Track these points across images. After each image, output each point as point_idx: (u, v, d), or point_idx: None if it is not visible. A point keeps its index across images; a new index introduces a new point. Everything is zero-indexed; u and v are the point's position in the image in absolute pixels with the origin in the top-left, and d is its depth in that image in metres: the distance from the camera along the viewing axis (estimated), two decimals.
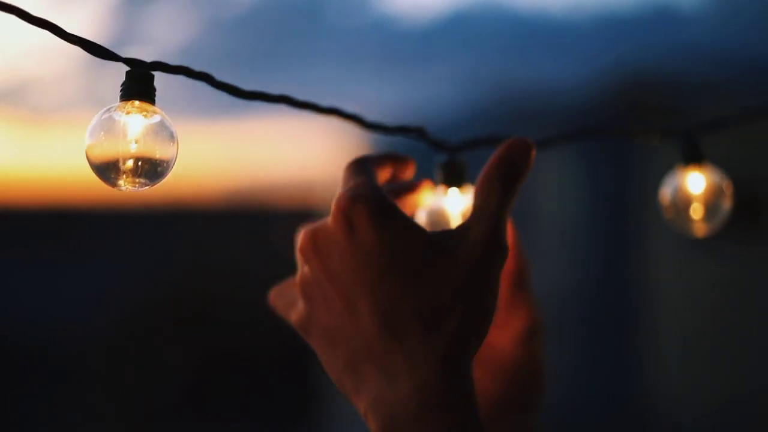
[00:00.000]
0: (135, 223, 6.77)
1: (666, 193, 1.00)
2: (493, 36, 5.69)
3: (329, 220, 0.73)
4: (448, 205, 0.89)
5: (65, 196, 6.59)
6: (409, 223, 0.72)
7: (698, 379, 4.53)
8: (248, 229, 6.91)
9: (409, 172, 0.86)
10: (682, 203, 0.98)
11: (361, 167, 0.78)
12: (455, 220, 0.88)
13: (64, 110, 6.17)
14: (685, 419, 4.54)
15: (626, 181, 4.88)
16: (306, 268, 0.76)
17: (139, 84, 0.68)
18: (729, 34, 5.09)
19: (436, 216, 0.88)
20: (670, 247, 4.61)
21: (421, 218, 0.88)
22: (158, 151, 0.67)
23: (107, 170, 0.66)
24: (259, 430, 5.89)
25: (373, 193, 0.72)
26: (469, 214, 0.77)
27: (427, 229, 0.75)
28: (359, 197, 0.71)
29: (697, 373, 4.55)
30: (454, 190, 0.89)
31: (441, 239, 0.72)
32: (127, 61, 0.69)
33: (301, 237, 0.76)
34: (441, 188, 0.89)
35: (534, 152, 0.77)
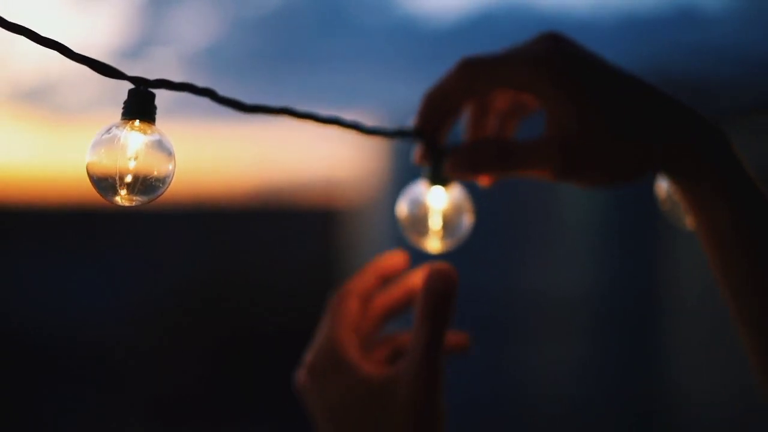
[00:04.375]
0: (159, 222, 6.81)
1: (662, 186, 1.02)
2: (517, 36, 5.67)
3: (306, 371, 0.90)
4: (431, 200, 0.93)
5: (90, 195, 6.63)
6: (354, 379, 0.85)
7: (721, 378, 4.51)
8: (272, 227, 6.94)
9: (396, 263, 0.96)
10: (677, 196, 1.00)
11: (332, 311, 0.92)
12: (436, 215, 0.92)
13: (88, 110, 6.22)
14: (708, 419, 4.53)
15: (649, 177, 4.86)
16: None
17: (140, 104, 0.70)
18: (754, 33, 5.06)
19: (418, 209, 0.92)
20: (694, 243, 4.59)
21: (403, 210, 0.92)
22: (156, 169, 0.70)
23: (105, 186, 0.70)
24: (279, 430, 5.92)
25: (323, 356, 0.87)
26: (450, 212, 0.91)
27: (407, 222, 0.92)
28: (312, 364, 0.88)
29: (719, 372, 4.53)
30: (438, 188, 0.92)
31: (381, 389, 0.83)
32: (131, 79, 0.71)
33: (297, 374, 0.91)
34: (426, 184, 0.92)
35: (454, 277, 0.85)
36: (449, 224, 0.92)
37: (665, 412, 4.71)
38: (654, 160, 0.84)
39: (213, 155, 6.15)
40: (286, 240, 6.83)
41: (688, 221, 0.93)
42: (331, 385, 0.85)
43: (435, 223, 0.92)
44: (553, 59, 0.83)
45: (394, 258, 0.95)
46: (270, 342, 6.30)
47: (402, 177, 5.05)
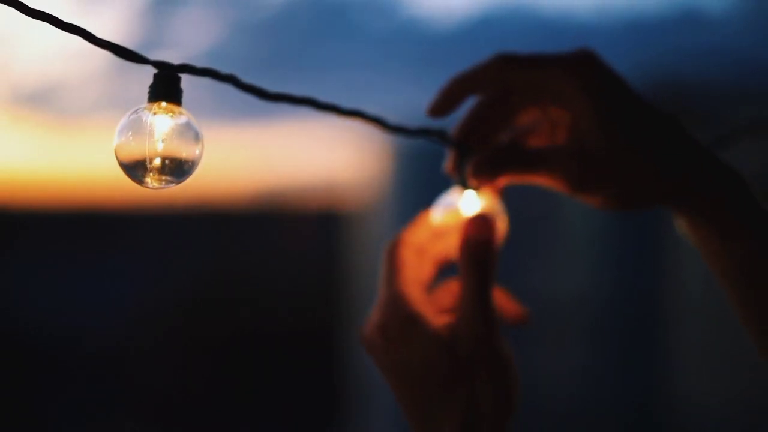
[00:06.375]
0: (162, 224, 6.81)
1: None
2: (520, 39, 5.69)
3: (373, 330, 0.87)
4: (463, 205, 0.92)
5: (92, 198, 6.64)
6: (426, 336, 0.84)
7: (721, 379, 4.51)
8: (275, 230, 6.94)
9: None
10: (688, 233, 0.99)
11: (389, 265, 0.89)
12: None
13: (92, 113, 6.23)
14: (708, 419, 4.52)
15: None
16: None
17: (166, 86, 0.70)
18: (759, 38, 5.06)
19: (450, 215, 0.92)
20: (695, 249, 4.58)
21: (437, 216, 0.92)
22: (184, 150, 0.69)
23: (134, 168, 0.69)
24: (281, 430, 5.91)
25: (392, 314, 0.85)
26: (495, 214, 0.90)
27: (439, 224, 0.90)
28: (382, 323, 0.85)
29: (720, 373, 4.53)
30: (470, 192, 0.91)
31: (449, 344, 0.83)
32: (155, 63, 0.71)
33: (364, 331, 0.89)
34: (458, 188, 0.92)
35: (490, 223, 0.87)
36: None
37: (665, 412, 4.71)
38: (668, 192, 0.84)
39: (216, 159, 6.15)
40: (289, 243, 6.83)
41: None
42: (404, 343, 0.84)
43: None
44: (587, 68, 0.84)
45: (433, 213, 0.94)
46: (273, 343, 6.30)
47: (404, 180, 5.06)
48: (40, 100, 6.34)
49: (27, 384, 5.91)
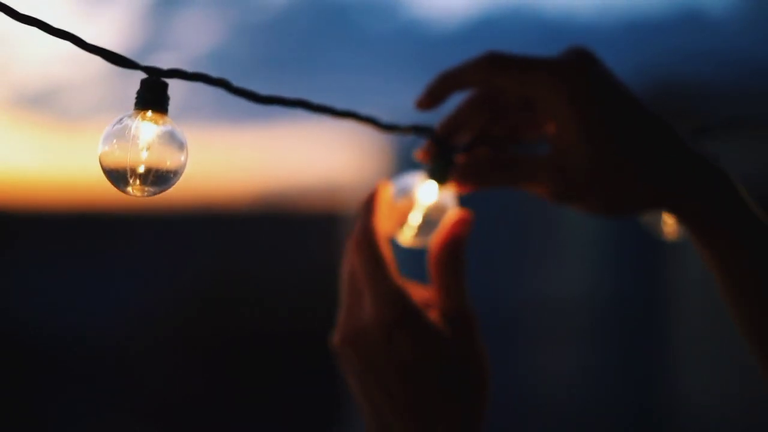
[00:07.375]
0: (163, 225, 6.81)
1: None
2: (520, 39, 5.69)
3: (369, 327, 0.83)
4: (420, 194, 0.91)
5: (93, 199, 6.64)
6: (426, 331, 0.82)
7: (721, 378, 4.51)
8: (276, 232, 6.94)
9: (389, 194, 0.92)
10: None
11: (371, 258, 0.85)
12: (419, 210, 0.91)
13: (93, 115, 6.23)
14: (708, 419, 4.52)
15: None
16: (347, 365, 0.87)
17: (152, 94, 0.69)
18: (759, 38, 5.06)
19: (404, 199, 0.92)
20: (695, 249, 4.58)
21: (395, 198, 0.91)
22: (168, 160, 0.69)
23: (118, 177, 0.69)
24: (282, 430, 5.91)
25: (391, 308, 0.82)
26: (434, 211, 0.89)
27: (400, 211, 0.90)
28: (380, 318, 0.82)
29: (720, 372, 4.52)
30: (432, 184, 0.91)
31: (448, 344, 0.83)
32: (145, 69, 0.70)
33: (339, 337, 0.87)
34: (422, 177, 0.92)
35: (470, 222, 0.87)
36: (428, 222, 0.91)
37: (665, 412, 4.71)
38: (656, 200, 0.83)
39: (217, 160, 6.15)
40: (290, 244, 6.83)
41: (681, 233, 0.93)
42: (411, 340, 0.82)
43: (415, 217, 0.91)
44: (576, 74, 0.82)
45: (388, 190, 0.91)
46: (273, 343, 6.29)
47: None
48: (42, 102, 6.35)
49: (27, 384, 5.91)
